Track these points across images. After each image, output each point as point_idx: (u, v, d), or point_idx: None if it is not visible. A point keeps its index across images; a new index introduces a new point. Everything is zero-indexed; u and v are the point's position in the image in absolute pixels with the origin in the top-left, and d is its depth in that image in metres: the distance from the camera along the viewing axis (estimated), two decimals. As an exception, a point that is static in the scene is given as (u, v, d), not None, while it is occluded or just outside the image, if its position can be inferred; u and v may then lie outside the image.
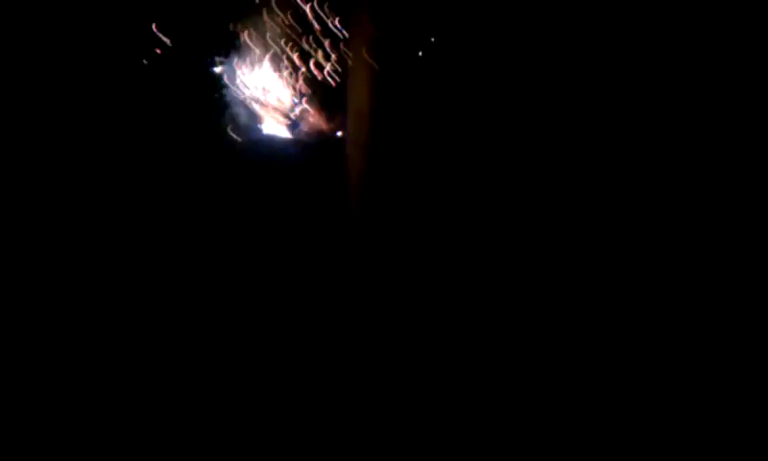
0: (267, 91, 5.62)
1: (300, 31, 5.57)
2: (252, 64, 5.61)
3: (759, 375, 4.69)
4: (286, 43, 5.57)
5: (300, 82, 5.62)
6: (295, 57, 5.59)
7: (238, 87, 5.65)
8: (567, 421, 4.66)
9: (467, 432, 4.64)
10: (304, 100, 5.63)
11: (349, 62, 5.44)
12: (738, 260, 5.06)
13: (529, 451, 4.51)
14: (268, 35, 5.56)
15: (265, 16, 5.56)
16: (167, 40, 5.43)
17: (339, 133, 5.68)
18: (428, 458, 4.48)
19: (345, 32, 5.53)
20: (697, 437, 4.50)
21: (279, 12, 5.57)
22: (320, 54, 5.59)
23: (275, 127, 5.70)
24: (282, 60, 5.61)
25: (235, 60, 5.59)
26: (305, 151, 5.71)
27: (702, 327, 4.96)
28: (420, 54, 5.52)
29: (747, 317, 4.90)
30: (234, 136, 5.65)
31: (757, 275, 4.99)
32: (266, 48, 5.55)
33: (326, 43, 5.54)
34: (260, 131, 5.68)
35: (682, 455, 4.47)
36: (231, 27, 5.53)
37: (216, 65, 5.55)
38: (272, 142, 5.71)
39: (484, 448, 4.54)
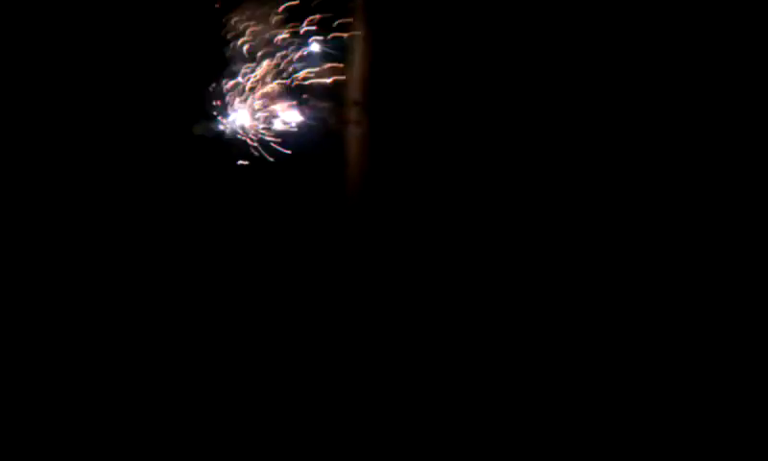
0: (266, 76, 5.56)
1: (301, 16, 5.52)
2: (250, 49, 5.56)
3: (759, 375, 4.70)
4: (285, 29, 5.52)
5: (298, 68, 5.58)
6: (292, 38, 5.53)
7: (233, 71, 5.60)
8: (567, 419, 4.67)
9: (465, 430, 4.65)
10: (304, 85, 5.58)
11: (349, 50, 5.42)
12: (738, 261, 5.06)
13: (528, 451, 4.53)
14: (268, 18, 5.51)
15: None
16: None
17: (338, 121, 5.63)
18: (426, 457, 4.50)
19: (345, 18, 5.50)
20: (696, 437, 4.51)
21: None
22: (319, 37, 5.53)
23: (272, 111, 5.63)
24: (280, 43, 5.55)
25: (232, 45, 5.55)
26: (301, 138, 5.65)
27: (701, 328, 4.96)
28: (420, 45, 5.48)
29: (747, 317, 4.90)
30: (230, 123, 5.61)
31: (758, 275, 4.99)
32: (264, 31, 5.50)
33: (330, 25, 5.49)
34: (258, 116, 5.61)
35: (681, 455, 4.48)
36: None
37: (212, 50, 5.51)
38: (268, 130, 5.65)
39: (482, 447, 4.56)
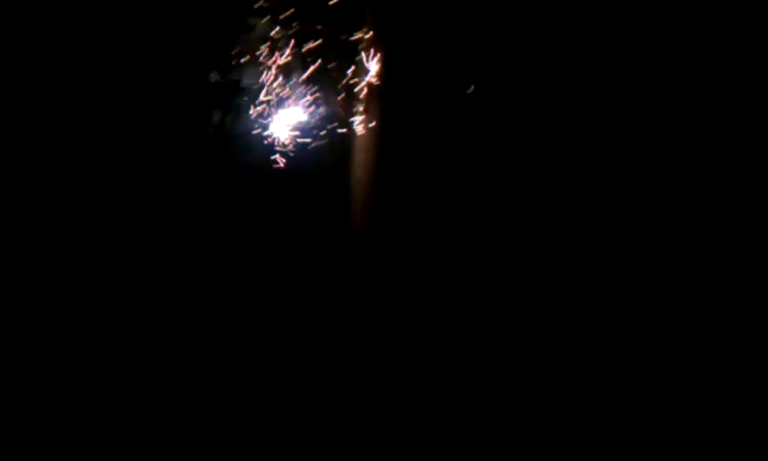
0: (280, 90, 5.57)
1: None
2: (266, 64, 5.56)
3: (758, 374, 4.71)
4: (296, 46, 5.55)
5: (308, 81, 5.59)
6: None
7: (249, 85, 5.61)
8: (564, 420, 4.68)
9: (463, 431, 4.66)
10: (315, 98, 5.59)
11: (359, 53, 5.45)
12: (736, 261, 5.07)
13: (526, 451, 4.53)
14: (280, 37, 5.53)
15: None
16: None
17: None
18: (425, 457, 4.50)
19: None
20: (696, 436, 4.52)
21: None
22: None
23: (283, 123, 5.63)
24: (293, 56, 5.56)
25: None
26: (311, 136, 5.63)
27: (700, 327, 4.98)
28: (426, 48, 5.50)
29: (744, 317, 4.92)
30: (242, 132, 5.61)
31: (755, 275, 5.00)
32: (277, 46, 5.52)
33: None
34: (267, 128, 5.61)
35: (681, 455, 4.49)
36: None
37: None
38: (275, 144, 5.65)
39: (480, 447, 4.56)
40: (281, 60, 5.49)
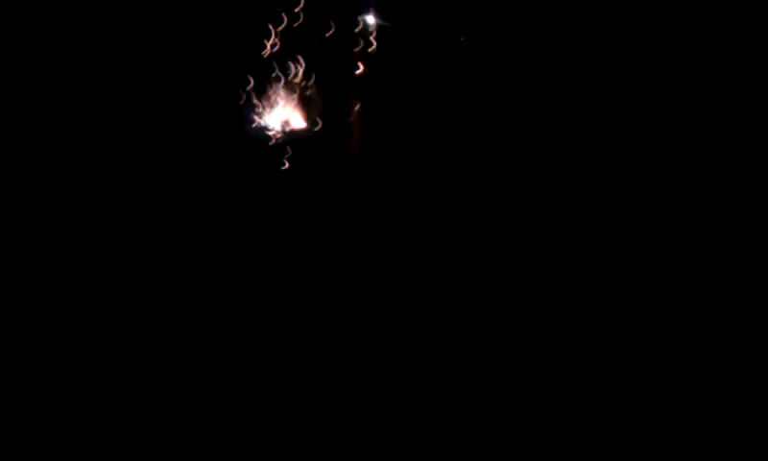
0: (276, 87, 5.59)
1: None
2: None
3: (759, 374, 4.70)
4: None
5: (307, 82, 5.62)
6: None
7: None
8: (564, 420, 4.68)
9: (463, 429, 4.66)
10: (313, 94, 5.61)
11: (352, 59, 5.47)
12: (737, 260, 5.06)
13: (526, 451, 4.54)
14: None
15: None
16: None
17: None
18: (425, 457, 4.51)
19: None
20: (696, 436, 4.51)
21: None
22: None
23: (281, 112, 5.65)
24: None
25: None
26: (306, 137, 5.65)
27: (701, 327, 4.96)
28: (415, 55, 5.54)
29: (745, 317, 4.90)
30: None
31: (755, 275, 4.99)
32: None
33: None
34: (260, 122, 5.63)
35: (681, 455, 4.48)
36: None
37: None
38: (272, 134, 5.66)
39: (480, 446, 4.56)
40: (280, 50, 5.52)
